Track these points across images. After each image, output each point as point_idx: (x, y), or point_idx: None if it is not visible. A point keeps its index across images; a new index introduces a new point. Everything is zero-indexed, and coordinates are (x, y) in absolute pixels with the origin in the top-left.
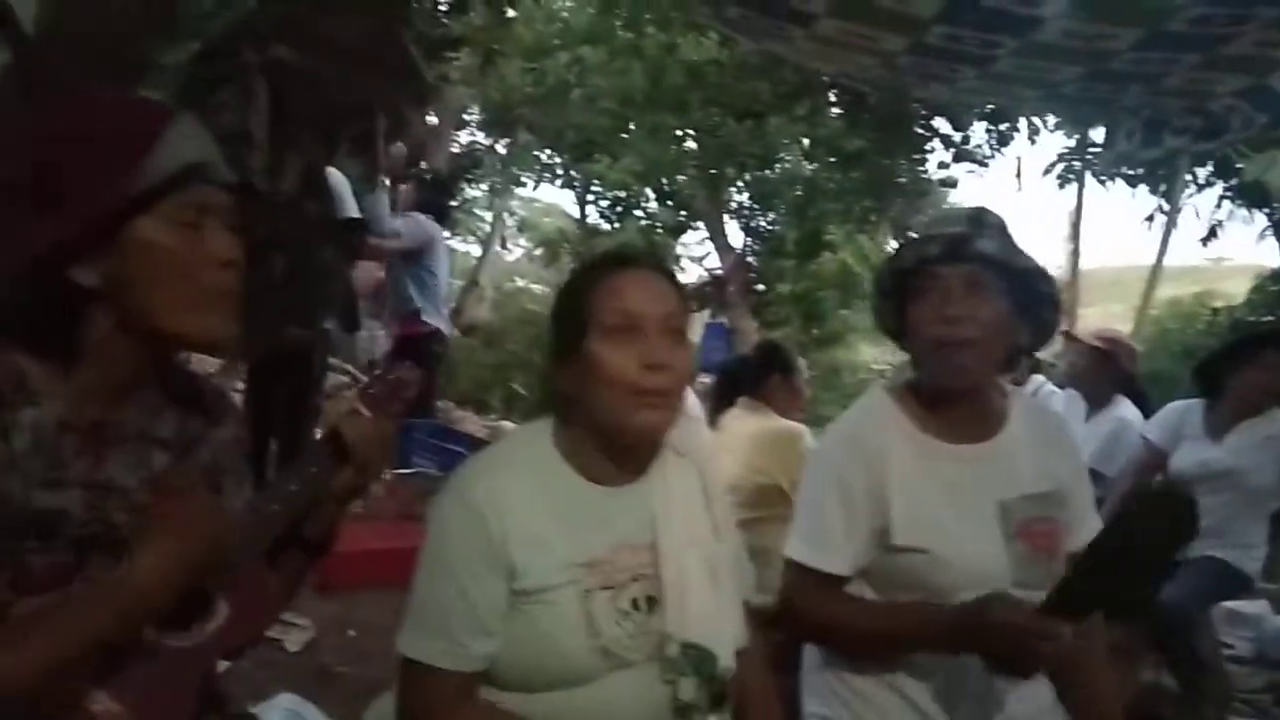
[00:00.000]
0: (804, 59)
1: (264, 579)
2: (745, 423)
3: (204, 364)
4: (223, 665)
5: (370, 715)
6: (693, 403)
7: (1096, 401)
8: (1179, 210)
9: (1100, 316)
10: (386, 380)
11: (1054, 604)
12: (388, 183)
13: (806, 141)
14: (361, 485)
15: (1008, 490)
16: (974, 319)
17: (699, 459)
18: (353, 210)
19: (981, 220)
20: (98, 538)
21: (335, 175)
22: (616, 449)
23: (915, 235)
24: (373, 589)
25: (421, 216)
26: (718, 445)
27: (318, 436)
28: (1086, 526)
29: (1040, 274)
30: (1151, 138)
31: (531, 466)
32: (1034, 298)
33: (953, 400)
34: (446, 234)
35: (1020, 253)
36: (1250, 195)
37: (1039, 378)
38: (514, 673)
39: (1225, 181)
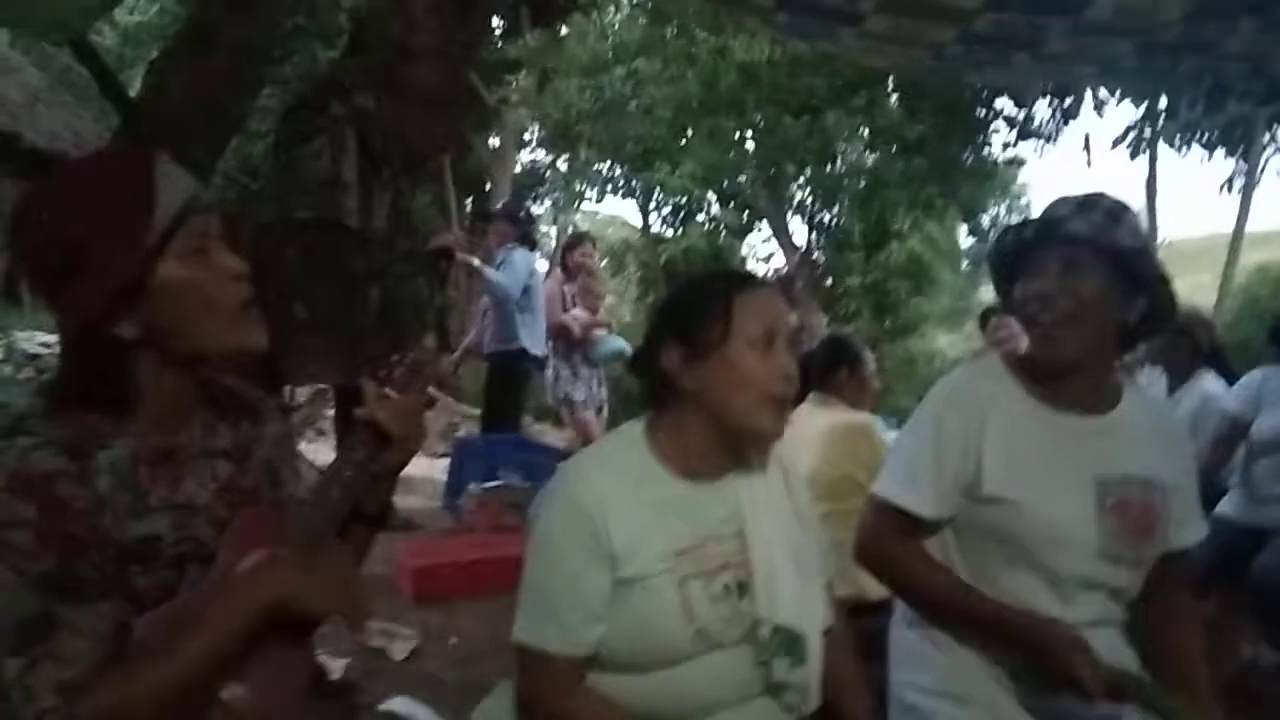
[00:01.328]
0: (855, 56)
1: (337, 548)
2: (816, 417)
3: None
4: (334, 673)
5: (477, 716)
6: None
7: (1177, 377)
8: (1260, 173)
9: (1187, 288)
10: (406, 364)
11: (1116, 689)
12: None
13: (866, 132)
14: (405, 459)
15: (1109, 467)
16: (1068, 297)
17: (780, 451)
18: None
19: (1091, 204)
20: (190, 554)
21: (527, 256)
22: (720, 444)
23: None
24: (469, 598)
25: (522, 252)
26: (790, 441)
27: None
28: (1190, 527)
29: (1142, 254)
30: (1215, 104)
31: (627, 466)
32: (1138, 278)
33: (1058, 375)
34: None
35: (1124, 234)
36: None
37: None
38: (619, 655)
39: None
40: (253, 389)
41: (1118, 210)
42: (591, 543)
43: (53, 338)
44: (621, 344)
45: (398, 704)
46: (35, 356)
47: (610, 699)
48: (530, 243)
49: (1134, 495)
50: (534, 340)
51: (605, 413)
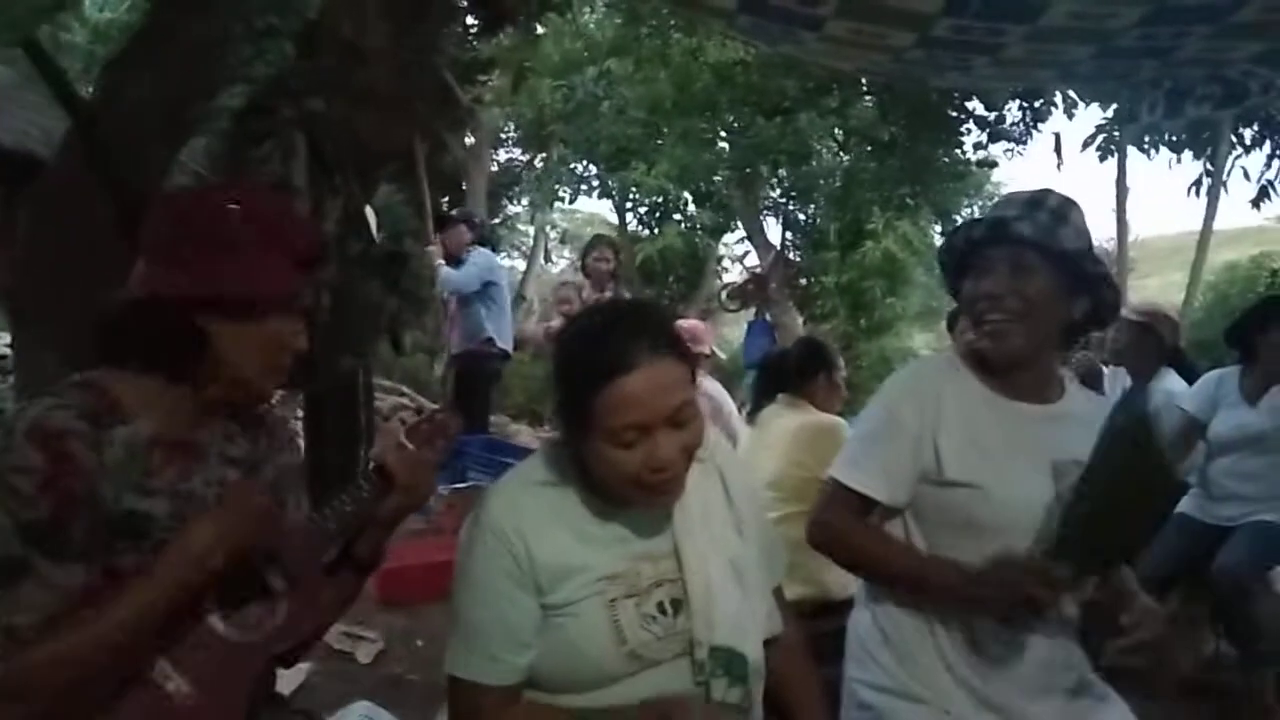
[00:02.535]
0: (818, 59)
1: (320, 587)
2: (785, 418)
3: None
4: (297, 679)
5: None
6: (718, 393)
7: (1140, 376)
8: (1227, 174)
9: (1160, 286)
10: (432, 421)
11: (1057, 553)
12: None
13: (839, 133)
14: (406, 510)
15: (1062, 451)
16: (1015, 297)
17: (719, 459)
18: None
19: (1037, 203)
20: None
21: (487, 255)
22: None
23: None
24: (436, 600)
25: (481, 251)
26: (758, 441)
27: (369, 463)
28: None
29: (1086, 255)
30: (1174, 107)
31: (550, 487)
32: (1083, 277)
33: (1006, 369)
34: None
35: (1068, 234)
36: None
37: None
38: (550, 678)
39: (1275, 140)
40: (277, 414)
41: (1064, 209)
42: (515, 570)
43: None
44: None
45: (360, 708)
46: (2, 358)
47: (544, 705)
48: (490, 245)
49: None
50: (501, 337)
51: None
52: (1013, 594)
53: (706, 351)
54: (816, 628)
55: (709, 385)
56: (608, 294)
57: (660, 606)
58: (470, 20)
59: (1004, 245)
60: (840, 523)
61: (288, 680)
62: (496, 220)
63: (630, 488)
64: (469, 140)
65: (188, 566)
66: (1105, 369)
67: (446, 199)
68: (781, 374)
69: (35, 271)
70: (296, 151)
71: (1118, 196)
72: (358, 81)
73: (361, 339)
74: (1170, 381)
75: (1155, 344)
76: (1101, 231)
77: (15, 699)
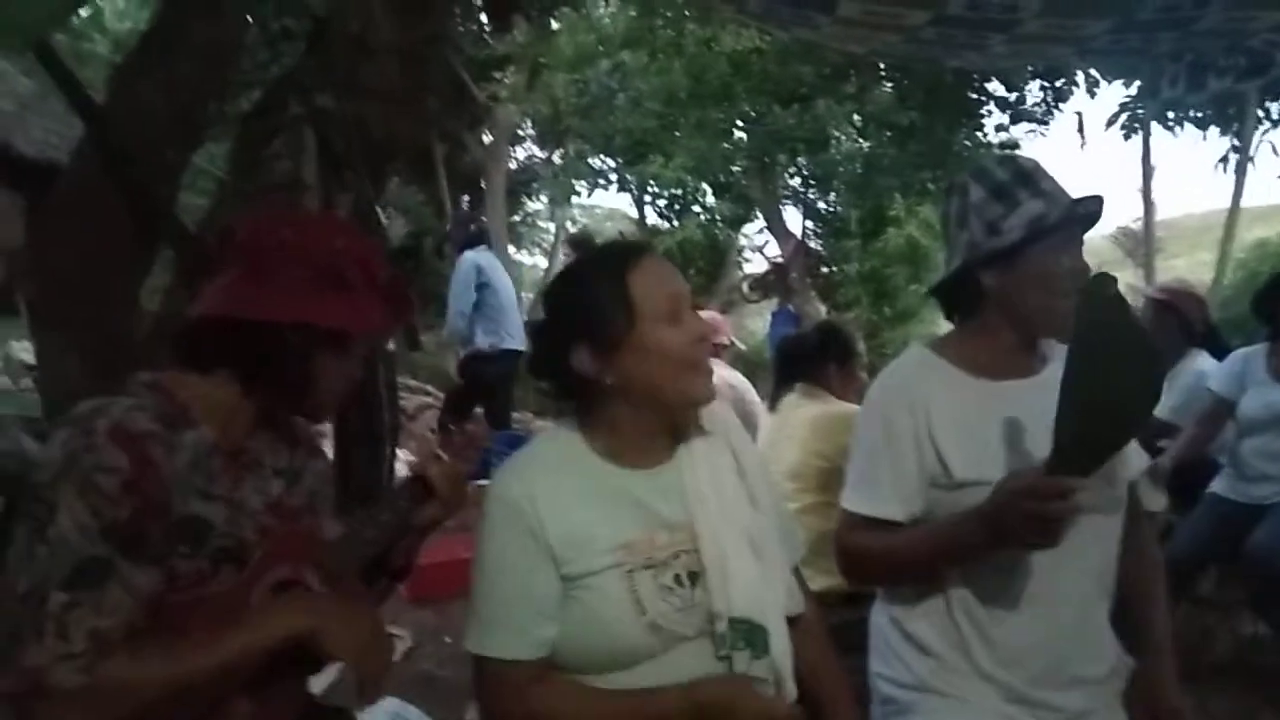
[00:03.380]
0: (832, 42)
1: (362, 593)
2: (804, 408)
3: None
4: (329, 677)
5: (471, 715)
6: (740, 382)
7: (1169, 356)
8: (1254, 149)
9: (1189, 266)
10: (464, 432)
11: (1056, 465)
12: None
13: (858, 119)
14: (441, 519)
15: None
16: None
17: (728, 432)
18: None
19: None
20: (230, 551)
21: (467, 261)
22: (654, 429)
23: (1034, 182)
24: (464, 597)
25: (468, 256)
26: (778, 431)
27: (404, 475)
28: (1134, 458)
29: None
30: (1195, 81)
31: (561, 460)
32: None
33: (1020, 342)
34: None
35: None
36: None
37: None
38: (574, 657)
39: None
40: (306, 424)
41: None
42: (531, 542)
43: None
44: None
45: (389, 705)
46: (32, 367)
47: (571, 680)
48: (484, 243)
49: None
50: (502, 335)
51: None
52: (1028, 519)
53: (725, 341)
54: (841, 618)
55: (730, 375)
56: None
57: (678, 578)
58: (483, 18)
59: (1075, 223)
60: (857, 548)
61: (320, 678)
62: (516, 218)
63: (686, 370)
64: (487, 138)
65: (281, 639)
66: None
67: (466, 197)
68: (799, 358)
69: (56, 278)
70: (306, 148)
71: (1143, 175)
72: (365, 77)
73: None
74: (1202, 362)
75: (1177, 323)
76: (1127, 211)
77: (95, 713)
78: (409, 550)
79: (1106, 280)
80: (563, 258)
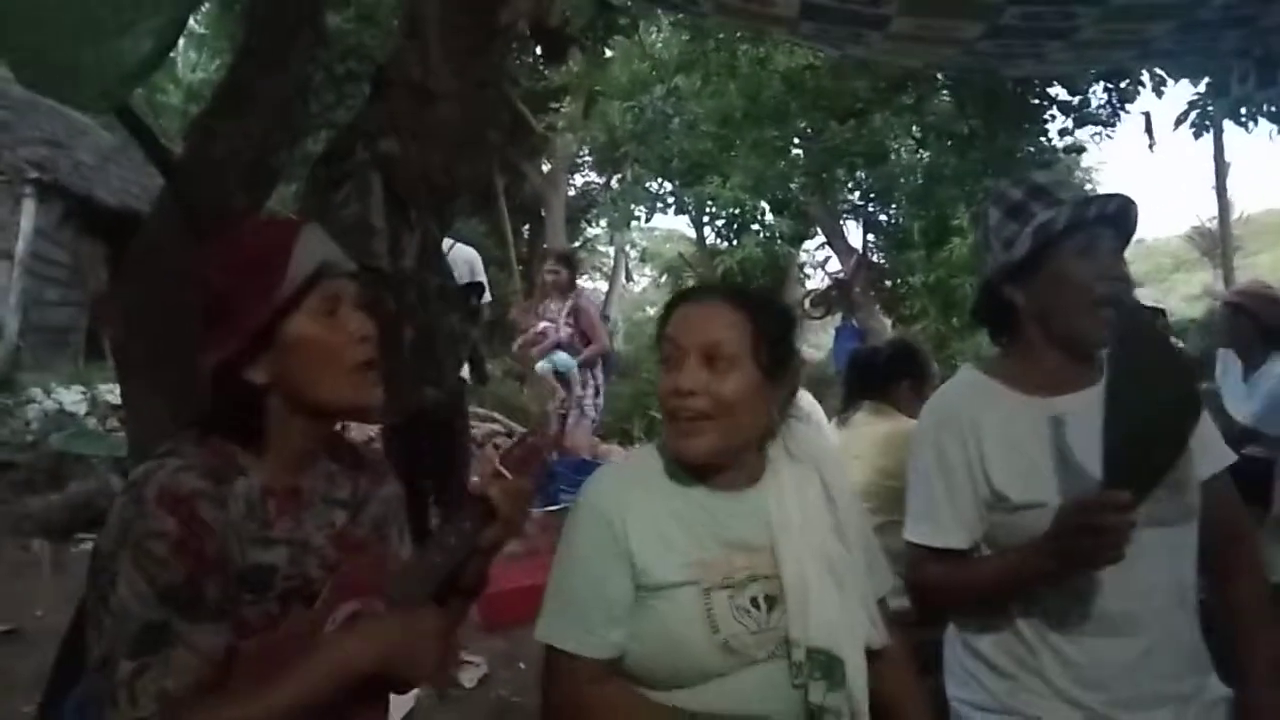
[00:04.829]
0: (886, 58)
1: (432, 614)
2: (873, 426)
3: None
4: (407, 705)
5: None
6: (809, 403)
7: (1251, 359)
8: None
9: (1272, 263)
10: (525, 446)
11: (1111, 480)
12: None
13: (917, 130)
14: (506, 539)
15: None
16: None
17: (820, 461)
18: (481, 278)
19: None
20: (297, 590)
21: (468, 253)
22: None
23: (1049, 194)
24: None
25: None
26: (845, 450)
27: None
28: (1213, 452)
29: None
30: (1266, 76)
31: (648, 475)
32: None
33: (1066, 358)
34: None
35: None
36: None
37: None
38: (646, 669)
39: None
40: (374, 450)
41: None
42: (612, 547)
43: None
44: (540, 365)
45: None
46: (118, 408)
47: (630, 688)
48: None
49: None
50: None
51: (572, 423)
52: (1088, 536)
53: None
54: (917, 637)
55: (805, 401)
56: (567, 304)
57: (754, 601)
58: (539, 51)
59: (1116, 229)
60: (936, 586)
61: (397, 708)
62: (576, 244)
63: (667, 419)
64: (545, 167)
65: (351, 674)
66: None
67: (527, 227)
68: (870, 374)
69: (139, 324)
70: (373, 191)
71: (1217, 173)
72: (427, 121)
73: (443, 370)
74: None
75: (1248, 325)
76: (1203, 211)
77: None
78: (479, 570)
79: (1133, 301)
80: (548, 276)
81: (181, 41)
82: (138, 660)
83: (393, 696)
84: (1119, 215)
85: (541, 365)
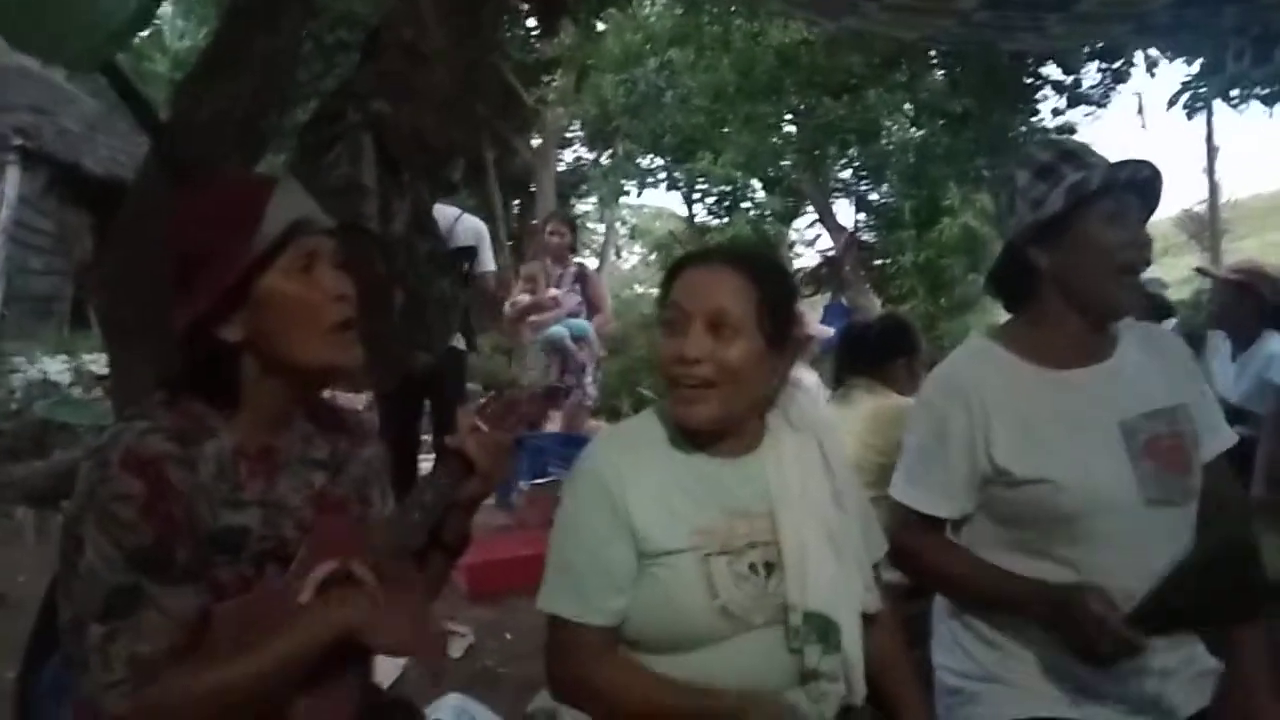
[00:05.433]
0: (882, 29)
1: (413, 579)
2: (863, 402)
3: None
4: (394, 673)
5: (532, 708)
6: (815, 384)
7: (1242, 338)
8: None
9: (1259, 247)
10: (503, 400)
11: (1140, 617)
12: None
13: (910, 108)
14: (484, 493)
15: (1127, 410)
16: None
17: (818, 429)
18: (489, 259)
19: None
20: (273, 551)
21: (476, 223)
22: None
23: (1078, 157)
24: (523, 593)
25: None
26: (837, 424)
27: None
28: (1218, 434)
29: None
30: (1262, 54)
31: (650, 442)
32: None
33: (1083, 327)
34: None
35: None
36: None
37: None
38: (644, 634)
39: None
40: (354, 411)
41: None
42: (611, 515)
43: None
44: (553, 332)
45: (453, 700)
46: (103, 377)
47: (638, 662)
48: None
49: (1161, 429)
50: None
51: (575, 398)
52: (1089, 645)
53: (808, 335)
54: (907, 610)
55: (807, 378)
56: (570, 269)
57: (753, 567)
58: (531, 22)
59: (1127, 193)
60: (914, 545)
61: (383, 675)
62: None
63: (669, 386)
64: (535, 141)
65: (326, 640)
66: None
67: (517, 201)
68: (862, 349)
69: (126, 291)
70: (364, 153)
71: (1207, 155)
72: (420, 83)
73: (433, 335)
74: (1274, 344)
75: (1254, 304)
76: (1192, 194)
77: None
78: (459, 526)
79: (1246, 540)
80: (552, 239)
81: (169, 8)
82: (108, 624)
83: (380, 663)
84: (1148, 184)
85: (556, 330)
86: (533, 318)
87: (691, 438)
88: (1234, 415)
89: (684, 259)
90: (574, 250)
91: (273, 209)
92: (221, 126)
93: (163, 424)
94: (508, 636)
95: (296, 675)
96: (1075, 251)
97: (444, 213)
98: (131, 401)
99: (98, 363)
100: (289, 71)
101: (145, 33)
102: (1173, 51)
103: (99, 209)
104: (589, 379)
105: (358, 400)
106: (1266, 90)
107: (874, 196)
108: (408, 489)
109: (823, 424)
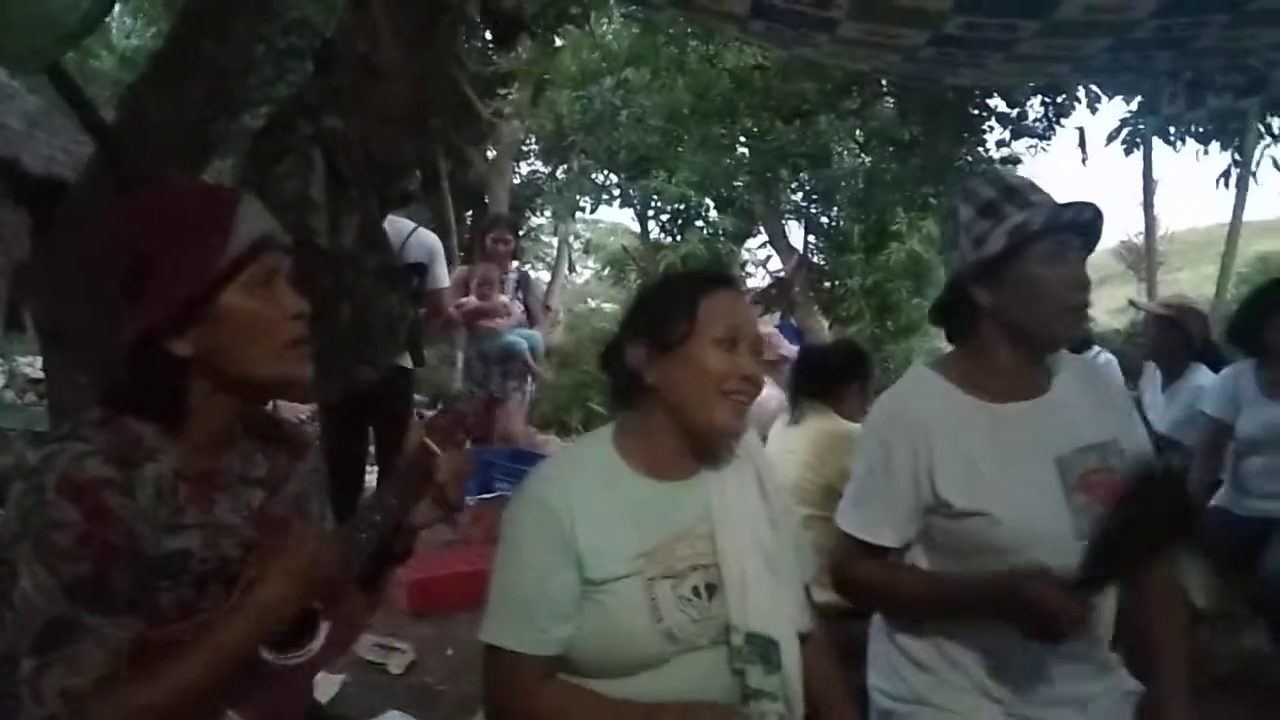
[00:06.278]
0: (833, 60)
1: (356, 598)
2: (810, 425)
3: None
4: (332, 690)
5: None
6: (776, 397)
7: (1171, 370)
8: (1256, 164)
9: (1193, 280)
10: (449, 413)
11: (1078, 583)
12: None
13: (860, 134)
14: (439, 517)
15: (1063, 445)
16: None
17: (754, 454)
18: (443, 276)
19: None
20: (214, 572)
21: (430, 239)
22: (685, 443)
23: (1021, 195)
24: (465, 610)
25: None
26: (781, 445)
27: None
28: (1135, 445)
29: None
30: (1195, 98)
31: (594, 467)
32: None
33: (1021, 362)
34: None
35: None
36: None
37: (1096, 348)
38: (589, 659)
39: None
40: (292, 423)
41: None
42: (558, 542)
43: None
44: (512, 339)
45: (391, 717)
46: (37, 381)
47: (580, 685)
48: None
49: (1093, 463)
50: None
51: (513, 406)
52: (1037, 623)
53: (775, 357)
54: (844, 631)
55: (775, 396)
56: (511, 275)
57: (695, 590)
58: (488, 35)
59: (1070, 235)
60: (853, 572)
61: (323, 691)
62: (521, 233)
63: (714, 396)
64: (490, 154)
65: (257, 623)
66: (1113, 358)
67: (470, 213)
68: (815, 372)
69: (64, 294)
70: (314, 168)
71: (1145, 190)
72: (372, 99)
73: (380, 351)
74: (1201, 377)
75: (1181, 338)
76: (1131, 226)
77: None
78: (408, 541)
79: (1167, 473)
80: (499, 246)
81: (117, 6)
82: (42, 657)
83: (319, 679)
84: (1089, 225)
85: (514, 340)
86: (483, 322)
87: (639, 463)
88: (1162, 443)
89: (717, 278)
90: (516, 257)
91: (240, 223)
92: (169, 132)
93: (100, 445)
94: (449, 653)
95: (231, 676)
96: (1016, 291)
97: (398, 227)
98: (67, 409)
99: (33, 366)
100: (240, 78)
101: None
102: (1112, 91)
103: (38, 208)
104: (529, 389)
105: (301, 410)
106: (1202, 129)
107: (824, 220)
108: (351, 504)
109: (757, 447)
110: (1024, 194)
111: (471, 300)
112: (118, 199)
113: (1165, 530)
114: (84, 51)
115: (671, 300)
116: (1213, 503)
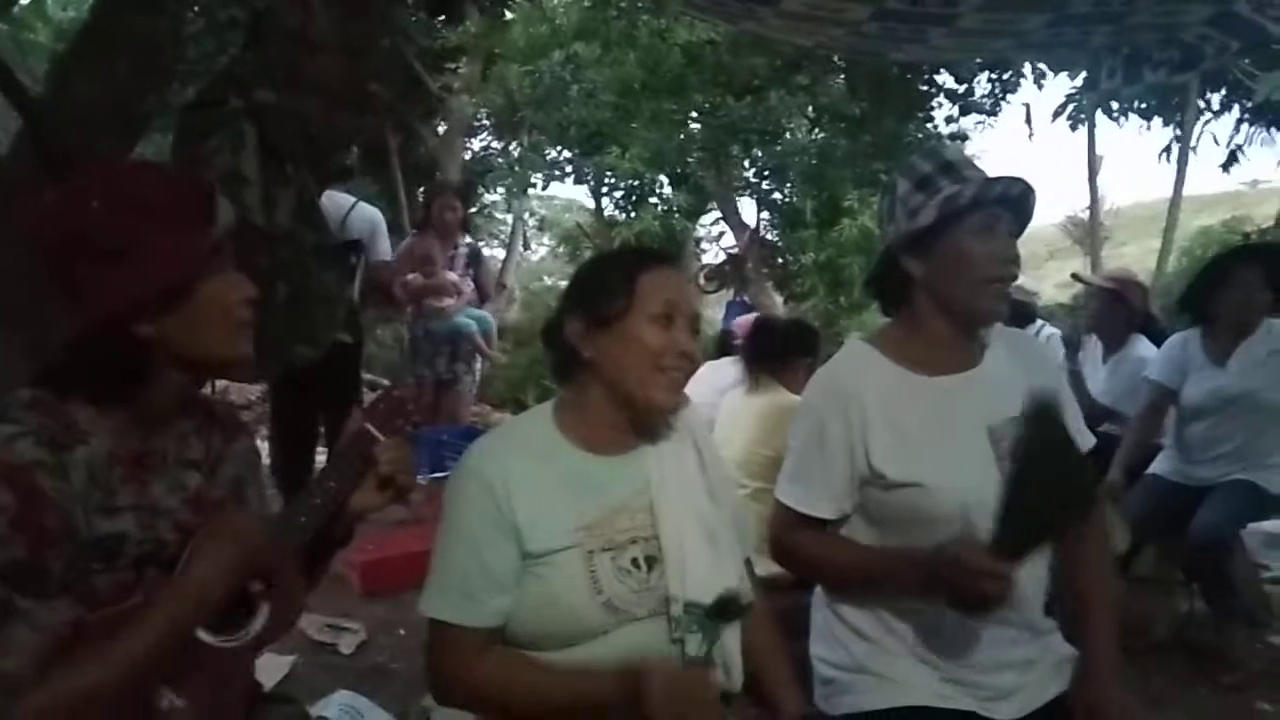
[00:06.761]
0: (777, 35)
1: (295, 581)
2: (754, 399)
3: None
4: (281, 670)
5: (427, 702)
6: (733, 370)
7: (1113, 343)
8: (1196, 139)
9: (1138, 254)
10: (389, 399)
11: (997, 545)
12: None
13: (811, 110)
14: (382, 504)
15: (994, 415)
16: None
17: (693, 427)
18: (386, 250)
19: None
20: (151, 555)
21: (371, 212)
22: (623, 417)
23: (956, 170)
24: (417, 590)
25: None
26: (728, 419)
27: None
28: (1080, 435)
29: None
30: (1132, 74)
31: (532, 441)
32: None
33: (953, 334)
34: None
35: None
36: (1269, 115)
37: (1040, 322)
38: (529, 631)
39: (1243, 105)
40: (225, 404)
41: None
42: (496, 516)
43: None
44: (461, 321)
45: (341, 697)
46: None
47: (519, 653)
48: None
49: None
50: None
51: (463, 388)
52: (963, 592)
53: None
54: (788, 602)
55: (732, 369)
56: (461, 250)
57: (635, 562)
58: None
59: (1011, 210)
60: (791, 543)
61: (272, 672)
62: (474, 209)
63: (651, 371)
64: (441, 129)
65: (193, 602)
66: (1057, 333)
67: (421, 190)
68: (767, 346)
69: None
70: (246, 143)
71: (1089, 165)
72: (306, 71)
73: (319, 329)
74: (1141, 348)
75: (1124, 311)
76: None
77: None
78: (347, 525)
79: (1042, 392)
80: (446, 215)
81: None
82: None
83: (267, 660)
84: (1020, 200)
85: (464, 321)
86: (430, 301)
87: (578, 437)
88: (1102, 414)
89: (654, 255)
90: (466, 228)
91: (220, 213)
92: (97, 107)
93: (31, 428)
94: (401, 633)
95: (166, 657)
96: (945, 262)
97: (338, 201)
98: (4, 388)
99: None
100: (171, 51)
101: (26, 1)
102: (1055, 67)
103: None
104: (477, 369)
105: (251, 391)
106: (1144, 105)
107: (776, 196)
108: (299, 482)
109: (696, 419)
110: (959, 169)
111: (417, 278)
112: (44, 177)
113: (1064, 465)
114: (17, 23)
115: (609, 276)
116: (1151, 469)
